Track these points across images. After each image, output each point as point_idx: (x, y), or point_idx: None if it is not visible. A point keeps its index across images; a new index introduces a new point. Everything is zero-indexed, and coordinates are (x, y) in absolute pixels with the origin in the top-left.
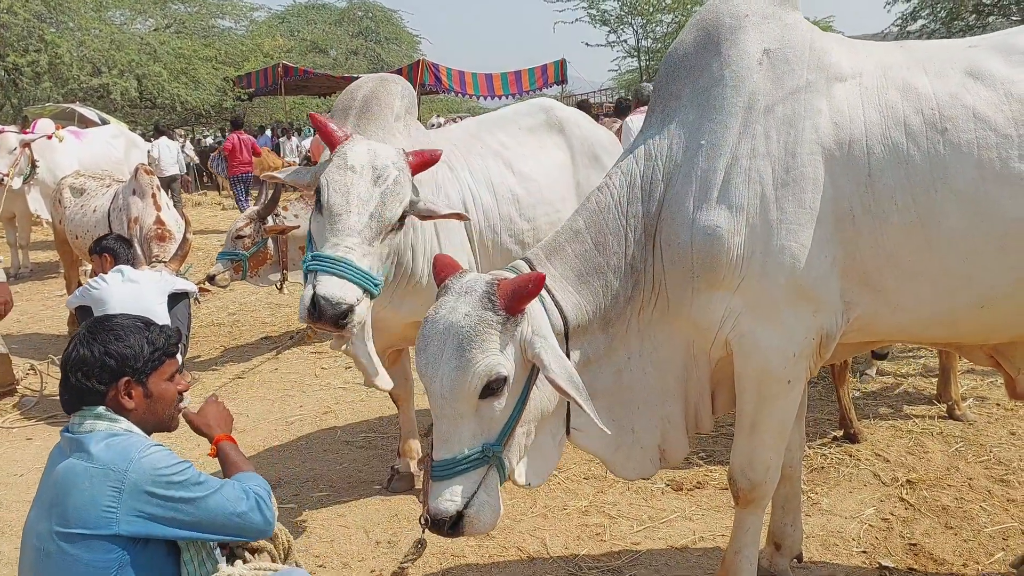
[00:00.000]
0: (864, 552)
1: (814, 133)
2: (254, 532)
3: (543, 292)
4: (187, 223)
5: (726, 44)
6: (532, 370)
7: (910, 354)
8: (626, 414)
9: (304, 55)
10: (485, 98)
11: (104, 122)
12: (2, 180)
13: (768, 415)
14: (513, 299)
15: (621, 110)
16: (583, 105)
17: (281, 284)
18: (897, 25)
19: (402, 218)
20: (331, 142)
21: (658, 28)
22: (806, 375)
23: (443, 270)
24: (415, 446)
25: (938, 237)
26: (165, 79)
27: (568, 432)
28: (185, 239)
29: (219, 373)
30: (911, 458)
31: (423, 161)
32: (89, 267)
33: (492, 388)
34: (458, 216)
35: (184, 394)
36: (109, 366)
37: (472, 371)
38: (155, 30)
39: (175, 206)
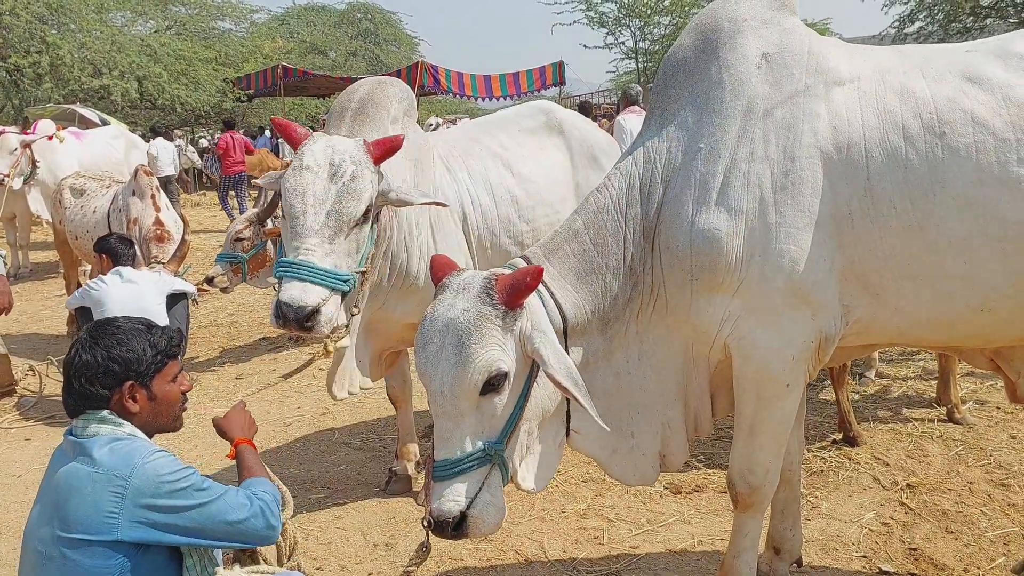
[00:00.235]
0: (864, 557)
1: (813, 137)
2: (257, 539)
3: (542, 289)
4: (185, 224)
5: (725, 48)
6: (533, 367)
7: (909, 357)
8: (626, 418)
9: (303, 57)
10: (483, 99)
11: (104, 123)
12: (3, 180)
13: (767, 418)
14: (511, 293)
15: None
16: (585, 106)
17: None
18: (894, 27)
19: (367, 210)
20: (293, 143)
21: (656, 30)
22: (805, 378)
23: (440, 270)
24: (413, 448)
25: (937, 240)
26: (165, 80)
27: (568, 434)
28: (183, 240)
29: (217, 374)
30: (911, 462)
31: (386, 149)
32: (89, 268)
33: (493, 384)
34: (436, 204)
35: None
36: (113, 371)
37: (472, 366)
38: (156, 32)
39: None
